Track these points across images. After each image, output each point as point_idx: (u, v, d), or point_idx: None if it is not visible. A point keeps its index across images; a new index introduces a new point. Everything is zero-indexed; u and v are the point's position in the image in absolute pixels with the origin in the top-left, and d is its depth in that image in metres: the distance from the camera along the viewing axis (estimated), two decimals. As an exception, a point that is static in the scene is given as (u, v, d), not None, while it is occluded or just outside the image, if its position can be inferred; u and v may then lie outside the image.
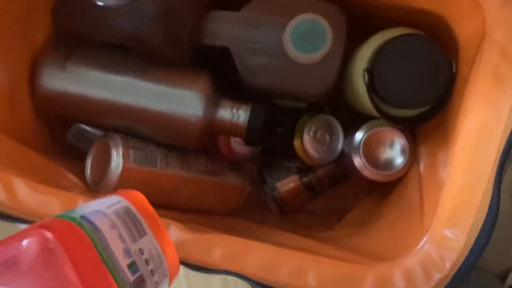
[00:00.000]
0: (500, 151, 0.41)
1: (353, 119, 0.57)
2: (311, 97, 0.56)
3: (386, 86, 0.47)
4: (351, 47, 0.53)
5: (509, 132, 0.41)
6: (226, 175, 0.59)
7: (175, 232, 0.44)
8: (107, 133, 0.55)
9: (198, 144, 0.55)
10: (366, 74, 0.47)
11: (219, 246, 0.43)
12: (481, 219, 0.41)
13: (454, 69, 0.47)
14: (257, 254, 0.43)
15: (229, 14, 0.53)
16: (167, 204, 0.54)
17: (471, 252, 0.41)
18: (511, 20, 0.42)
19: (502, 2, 0.42)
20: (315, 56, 0.50)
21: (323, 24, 0.50)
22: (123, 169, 0.51)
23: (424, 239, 0.42)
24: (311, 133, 0.58)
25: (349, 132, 0.57)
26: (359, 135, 0.54)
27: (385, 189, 0.57)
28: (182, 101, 0.53)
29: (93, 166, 0.55)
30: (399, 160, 0.53)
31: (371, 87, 0.47)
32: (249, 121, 0.54)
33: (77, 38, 0.54)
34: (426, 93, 0.46)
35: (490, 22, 0.42)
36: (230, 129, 0.55)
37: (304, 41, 0.50)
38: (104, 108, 0.53)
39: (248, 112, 0.54)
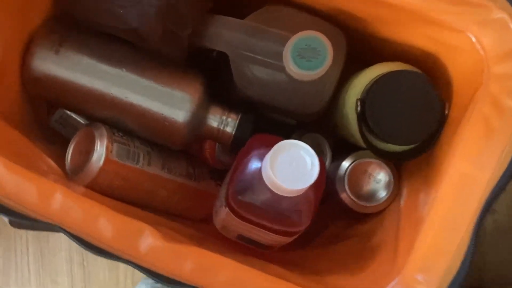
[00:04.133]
0: (482, 203, 0.41)
1: (337, 145, 0.57)
2: (302, 115, 0.56)
3: (377, 119, 0.46)
4: (348, 73, 0.53)
5: (493, 184, 0.41)
6: (206, 182, 0.59)
7: (149, 239, 0.43)
8: (93, 122, 0.54)
9: (182, 146, 0.55)
10: (358, 104, 0.47)
11: (190, 258, 0.42)
12: (455, 267, 0.40)
13: (446, 112, 0.46)
14: (227, 271, 0.43)
15: (232, 20, 0.53)
16: (140, 203, 0.54)
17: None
18: (509, 75, 0.42)
19: (503, 55, 0.42)
20: (313, 74, 0.49)
21: (325, 43, 0.49)
22: (105, 161, 0.51)
23: (394, 282, 0.42)
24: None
25: (335, 158, 0.56)
26: (345, 164, 0.54)
27: (362, 219, 0.57)
28: (172, 101, 0.53)
29: (74, 153, 0.54)
30: (382, 193, 0.54)
31: (362, 118, 0.47)
32: (237, 129, 0.54)
33: (77, 22, 0.53)
34: (415, 131, 0.46)
35: (487, 73, 0.42)
36: (217, 136, 0.55)
37: (304, 58, 0.49)
38: (92, 98, 0.53)
39: (237, 121, 0.54)
